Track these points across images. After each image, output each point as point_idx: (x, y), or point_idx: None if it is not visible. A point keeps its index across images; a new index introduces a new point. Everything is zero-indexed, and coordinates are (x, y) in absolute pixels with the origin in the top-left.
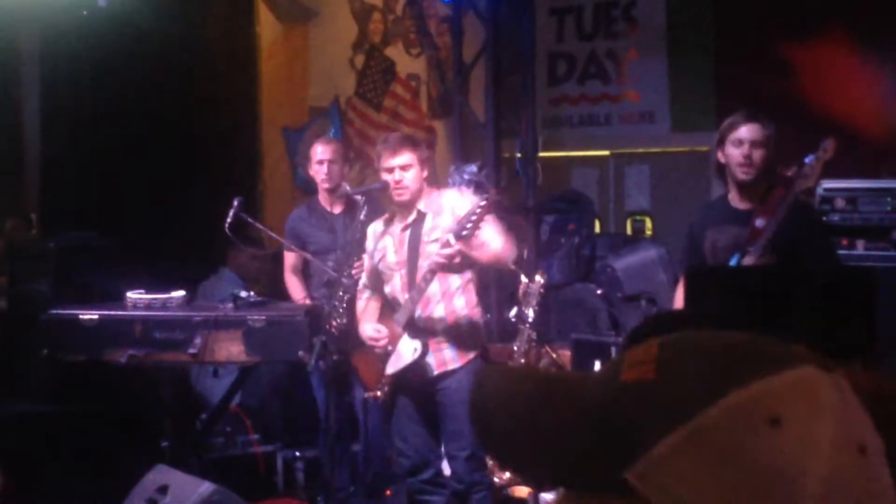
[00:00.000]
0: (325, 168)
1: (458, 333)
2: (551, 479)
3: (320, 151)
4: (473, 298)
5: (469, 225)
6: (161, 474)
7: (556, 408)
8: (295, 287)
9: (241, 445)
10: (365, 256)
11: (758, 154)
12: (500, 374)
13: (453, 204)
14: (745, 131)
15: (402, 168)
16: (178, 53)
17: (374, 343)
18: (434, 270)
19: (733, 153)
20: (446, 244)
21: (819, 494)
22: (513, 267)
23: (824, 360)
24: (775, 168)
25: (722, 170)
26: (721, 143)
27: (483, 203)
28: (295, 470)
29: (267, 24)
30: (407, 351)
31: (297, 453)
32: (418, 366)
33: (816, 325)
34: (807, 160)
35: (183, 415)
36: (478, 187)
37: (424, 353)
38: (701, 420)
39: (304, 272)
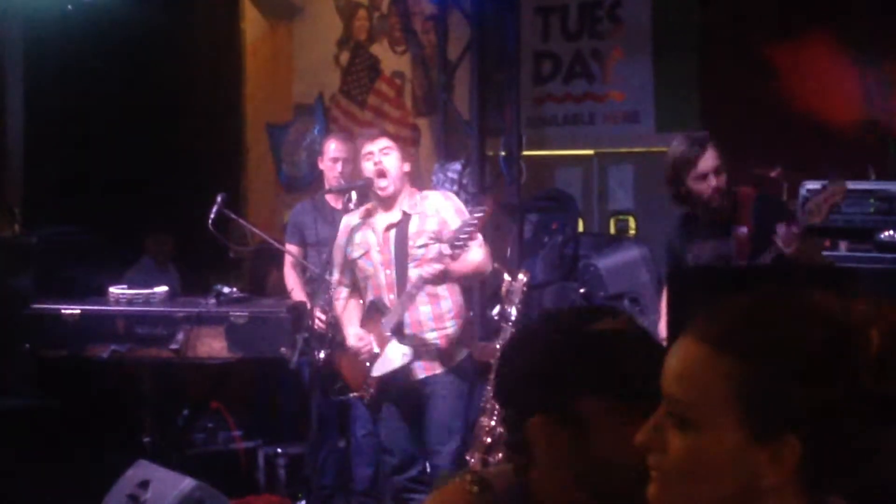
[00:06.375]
0: (339, 166)
1: (446, 336)
2: None
3: (335, 149)
4: (459, 300)
5: (463, 236)
6: (142, 470)
7: None
8: (293, 282)
9: (222, 441)
10: (335, 250)
11: (722, 178)
12: None
13: (438, 206)
14: (705, 164)
15: (381, 151)
16: (162, 49)
17: (358, 350)
18: (420, 285)
19: (700, 188)
20: (438, 257)
21: None
22: (494, 267)
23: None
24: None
25: (684, 199)
26: (677, 177)
27: (479, 215)
28: (276, 466)
29: (252, 21)
30: (395, 356)
31: (279, 450)
32: (406, 370)
33: None
34: (809, 189)
35: (164, 410)
36: (461, 188)
37: (413, 358)
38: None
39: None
